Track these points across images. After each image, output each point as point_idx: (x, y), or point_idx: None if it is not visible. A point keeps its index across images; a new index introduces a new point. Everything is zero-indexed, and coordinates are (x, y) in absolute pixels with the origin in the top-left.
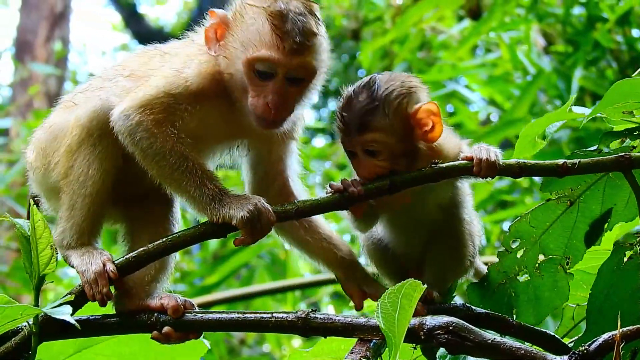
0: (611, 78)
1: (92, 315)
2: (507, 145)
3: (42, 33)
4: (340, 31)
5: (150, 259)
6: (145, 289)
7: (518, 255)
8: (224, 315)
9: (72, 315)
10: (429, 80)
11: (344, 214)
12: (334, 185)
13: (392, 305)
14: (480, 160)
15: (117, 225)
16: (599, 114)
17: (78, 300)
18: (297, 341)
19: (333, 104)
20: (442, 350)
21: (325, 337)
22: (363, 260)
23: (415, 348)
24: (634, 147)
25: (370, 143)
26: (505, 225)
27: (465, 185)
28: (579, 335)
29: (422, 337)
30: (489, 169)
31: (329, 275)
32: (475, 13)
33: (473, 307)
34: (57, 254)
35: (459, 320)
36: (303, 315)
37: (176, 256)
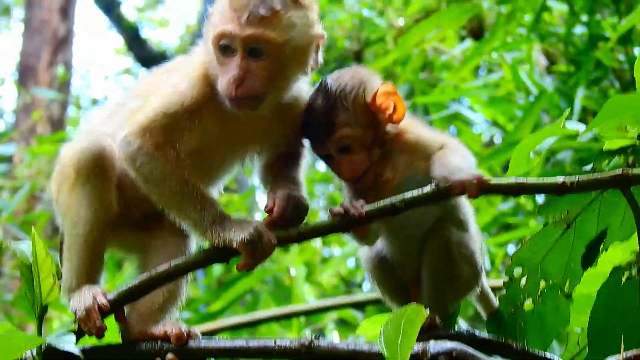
0: None
1: (96, 345)
2: None
3: (45, 57)
4: (343, 53)
5: (153, 286)
6: (153, 318)
7: (522, 284)
8: (228, 343)
9: (75, 344)
10: (431, 102)
11: (348, 236)
12: (334, 210)
13: (395, 332)
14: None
15: (132, 255)
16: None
17: (81, 329)
18: None
19: None
20: None
21: None
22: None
23: None
24: (631, 165)
25: (341, 140)
26: (510, 248)
27: (462, 199)
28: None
29: None
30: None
31: (334, 301)
32: (477, 33)
33: (477, 333)
34: (59, 280)
35: (463, 345)
36: (306, 343)
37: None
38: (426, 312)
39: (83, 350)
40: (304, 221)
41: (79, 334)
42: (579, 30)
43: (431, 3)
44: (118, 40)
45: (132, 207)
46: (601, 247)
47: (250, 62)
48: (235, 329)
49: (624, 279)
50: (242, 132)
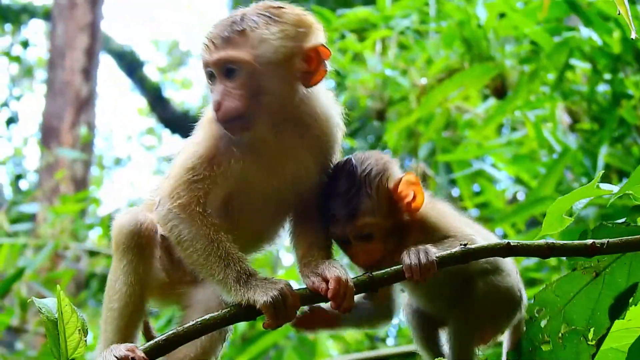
0: (637, 155)
1: None
2: (534, 223)
3: (67, 118)
4: (366, 112)
5: (180, 342)
6: None
7: (542, 324)
8: None
9: None
10: (454, 160)
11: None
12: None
13: None
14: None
15: (177, 309)
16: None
17: None
18: None
19: None
20: None
21: None
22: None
23: None
24: None
25: (363, 228)
26: None
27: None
28: None
29: None
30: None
31: (358, 356)
32: (500, 92)
33: None
34: (85, 337)
35: None
36: None
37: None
38: None
39: None
40: None
41: None
42: (602, 88)
43: (454, 62)
44: (141, 100)
45: (181, 265)
46: (630, 300)
47: (226, 84)
48: None
49: None
50: (269, 165)
